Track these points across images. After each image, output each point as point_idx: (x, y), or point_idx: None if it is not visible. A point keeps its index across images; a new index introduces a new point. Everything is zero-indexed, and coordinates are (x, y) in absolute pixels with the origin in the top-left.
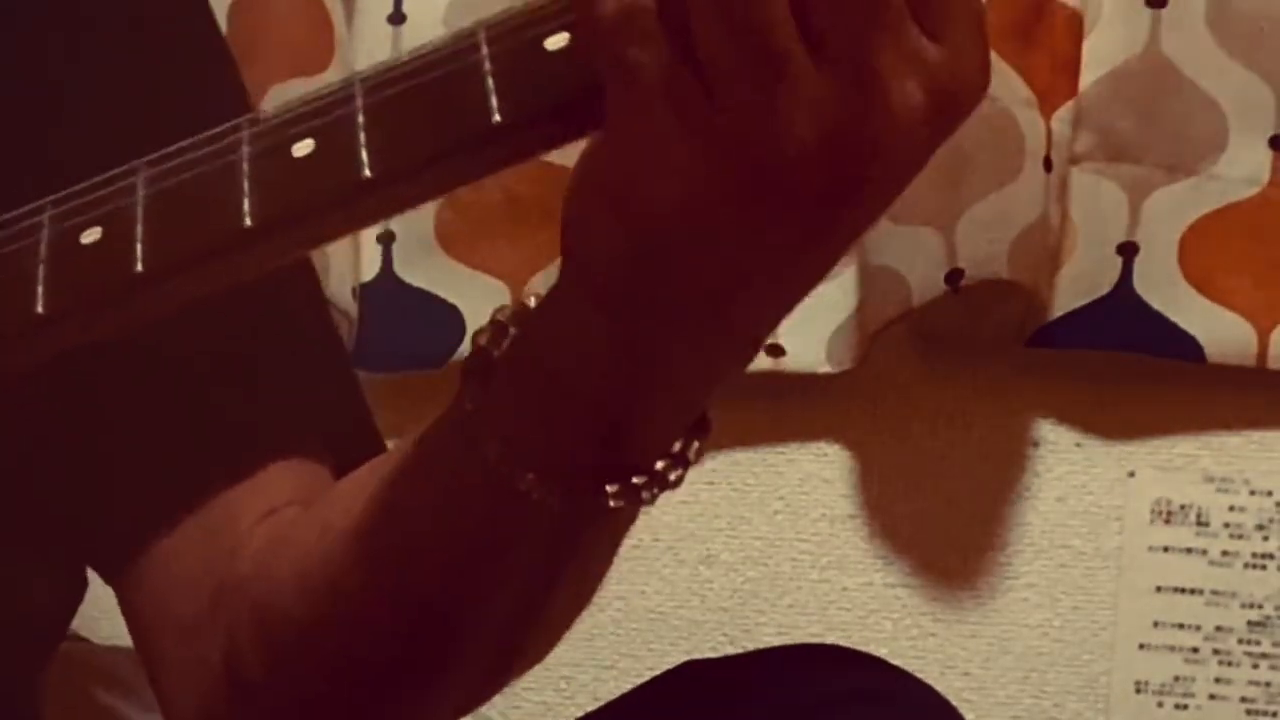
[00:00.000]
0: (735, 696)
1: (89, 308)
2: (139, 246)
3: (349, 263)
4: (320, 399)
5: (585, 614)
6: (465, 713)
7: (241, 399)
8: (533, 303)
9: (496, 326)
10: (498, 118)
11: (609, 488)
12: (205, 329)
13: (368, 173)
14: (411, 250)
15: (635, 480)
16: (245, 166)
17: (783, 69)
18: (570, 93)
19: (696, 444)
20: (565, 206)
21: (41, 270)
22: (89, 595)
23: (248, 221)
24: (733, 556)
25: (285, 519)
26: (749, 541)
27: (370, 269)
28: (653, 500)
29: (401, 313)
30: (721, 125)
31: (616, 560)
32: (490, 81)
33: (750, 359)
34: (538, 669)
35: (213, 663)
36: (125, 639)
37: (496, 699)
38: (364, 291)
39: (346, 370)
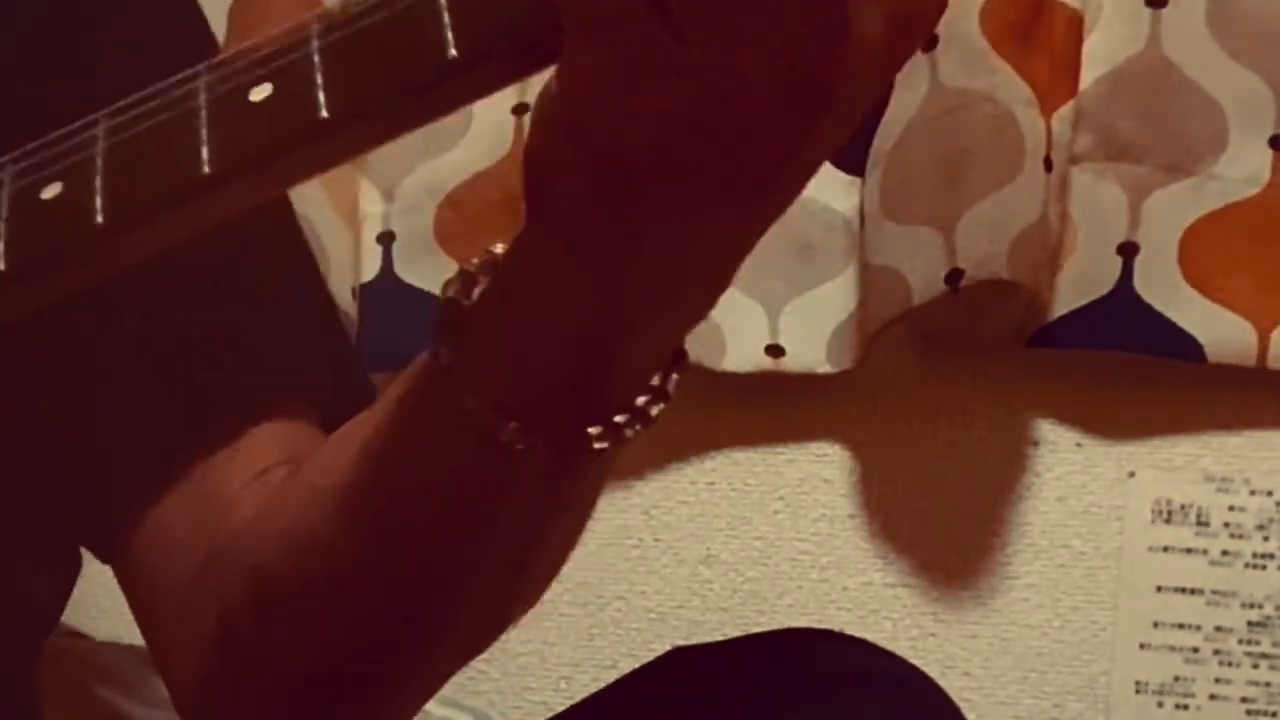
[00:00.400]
0: (723, 682)
1: (52, 263)
2: (99, 199)
3: (349, 263)
4: (303, 356)
5: (585, 613)
6: (456, 670)
7: (221, 363)
8: (500, 250)
9: (465, 276)
10: (454, 53)
11: (591, 429)
12: (182, 294)
13: (325, 114)
14: (411, 250)
15: (617, 419)
16: (203, 113)
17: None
18: (527, 26)
19: (675, 376)
20: (528, 144)
21: (3, 228)
22: (89, 594)
23: (206, 169)
24: (733, 556)
25: (275, 480)
26: (749, 541)
27: (370, 269)
28: (635, 438)
29: (401, 313)
30: (683, 59)
31: (616, 560)
32: (446, 17)
33: (722, 291)
34: (538, 668)
35: (207, 628)
36: (125, 636)
37: (496, 698)
38: (364, 291)
39: (331, 322)
